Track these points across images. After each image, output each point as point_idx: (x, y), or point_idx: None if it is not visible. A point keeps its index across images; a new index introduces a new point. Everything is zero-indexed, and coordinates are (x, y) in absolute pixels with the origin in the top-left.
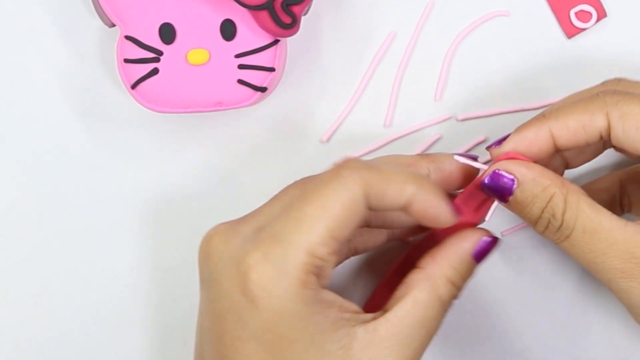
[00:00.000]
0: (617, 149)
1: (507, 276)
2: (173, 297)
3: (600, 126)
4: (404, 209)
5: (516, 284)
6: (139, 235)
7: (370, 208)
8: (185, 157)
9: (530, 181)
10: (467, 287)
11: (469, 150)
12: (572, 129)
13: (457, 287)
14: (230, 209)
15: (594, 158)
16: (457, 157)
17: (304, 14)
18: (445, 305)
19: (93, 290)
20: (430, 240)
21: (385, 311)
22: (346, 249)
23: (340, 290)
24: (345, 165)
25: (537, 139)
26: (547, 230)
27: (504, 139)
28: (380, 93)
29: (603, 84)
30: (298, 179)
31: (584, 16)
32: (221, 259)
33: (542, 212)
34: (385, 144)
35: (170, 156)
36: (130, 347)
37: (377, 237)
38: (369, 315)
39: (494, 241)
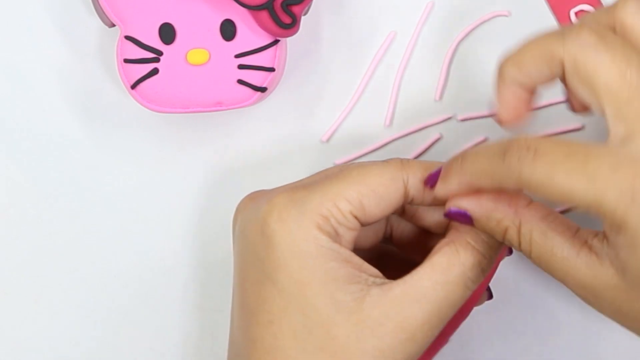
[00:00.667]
0: None
1: (507, 276)
2: (173, 298)
3: (512, 186)
4: None
5: (516, 283)
6: (138, 235)
7: (416, 198)
8: (185, 157)
9: (483, 218)
10: None
11: None
12: (488, 185)
13: (481, 253)
14: (231, 210)
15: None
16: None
17: (304, 14)
18: (468, 271)
19: (93, 290)
20: None
21: None
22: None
23: None
24: (389, 158)
25: (461, 192)
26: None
27: (435, 174)
28: (380, 93)
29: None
30: (298, 178)
31: None
32: (249, 211)
33: (503, 240)
34: (385, 144)
35: (170, 156)
36: (130, 348)
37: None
38: (388, 280)
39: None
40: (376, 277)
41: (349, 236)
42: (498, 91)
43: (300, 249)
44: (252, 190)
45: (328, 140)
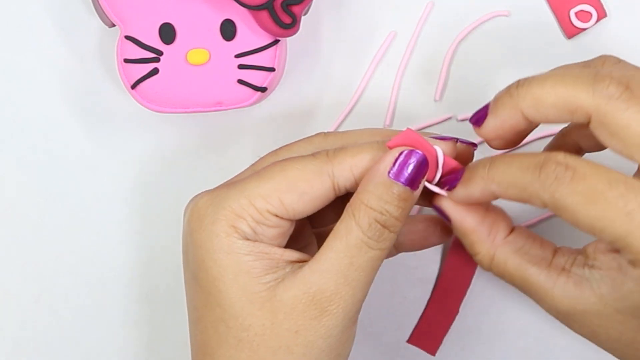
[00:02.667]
0: None
1: None
2: (173, 297)
3: (540, 204)
4: None
5: None
6: (139, 236)
7: (349, 187)
8: (185, 156)
9: (460, 233)
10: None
11: None
12: (514, 197)
13: (377, 210)
14: None
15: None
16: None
17: (304, 14)
18: (367, 231)
19: (93, 291)
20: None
21: None
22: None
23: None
24: (310, 140)
25: (481, 198)
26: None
27: (455, 177)
28: (380, 93)
29: (588, 64)
30: None
31: (584, 16)
32: (186, 210)
33: (473, 257)
34: None
35: (170, 156)
36: (129, 347)
37: None
38: (306, 263)
39: (413, 155)
40: (298, 262)
41: (270, 233)
42: (501, 113)
43: (214, 245)
44: None
45: None
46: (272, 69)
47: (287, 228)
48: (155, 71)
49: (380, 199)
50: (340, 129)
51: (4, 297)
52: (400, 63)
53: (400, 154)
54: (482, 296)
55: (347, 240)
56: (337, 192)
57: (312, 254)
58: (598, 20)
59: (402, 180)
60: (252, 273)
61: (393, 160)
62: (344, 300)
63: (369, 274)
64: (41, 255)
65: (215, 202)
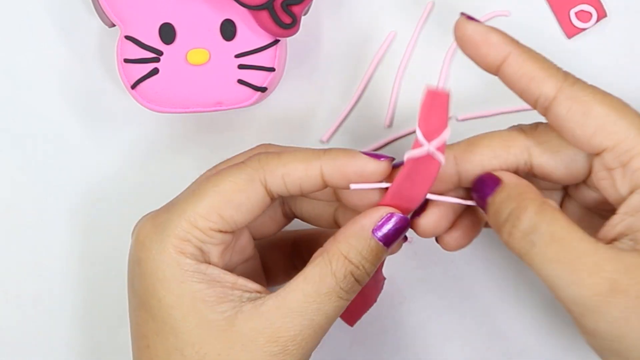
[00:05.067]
0: None
1: (507, 276)
2: None
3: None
4: (322, 185)
5: (516, 283)
6: None
7: (280, 193)
8: (186, 157)
9: (513, 183)
10: (467, 287)
11: None
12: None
13: (355, 264)
14: None
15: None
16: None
17: (304, 14)
18: (341, 282)
19: (93, 291)
20: None
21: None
22: (246, 240)
23: None
24: (251, 153)
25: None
26: (512, 235)
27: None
28: (380, 93)
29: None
30: None
31: (584, 16)
32: (132, 235)
33: (509, 214)
34: (386, 144)
35: (170, 156)
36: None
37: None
38: (264, 294)
39: (400, 220)
40: (252, 292)
41: (217, 250)
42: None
43: (165, 275)
44: None
45: (328, 140)
46: (272, 69)
47: (230, 239)
48: (155, 71)
49: (360, 254)
50: (340, 129)
51: (4, 297)
52: (400, 63)
53: (389, 215)
54: (482, 296)
55: (319, 286)
56: (273, 198)
57: (255, 268)
58: (598, 20)
59: (383, 239)
60: (207, 302)
61: (379, 219)
62: (306, 342)
63: (332, 320)
64: (40, 254)
65: (158, 230)
